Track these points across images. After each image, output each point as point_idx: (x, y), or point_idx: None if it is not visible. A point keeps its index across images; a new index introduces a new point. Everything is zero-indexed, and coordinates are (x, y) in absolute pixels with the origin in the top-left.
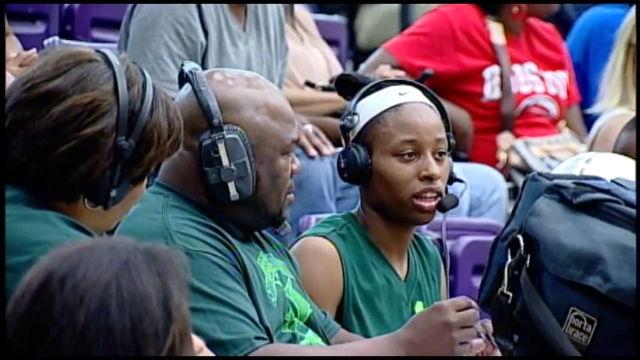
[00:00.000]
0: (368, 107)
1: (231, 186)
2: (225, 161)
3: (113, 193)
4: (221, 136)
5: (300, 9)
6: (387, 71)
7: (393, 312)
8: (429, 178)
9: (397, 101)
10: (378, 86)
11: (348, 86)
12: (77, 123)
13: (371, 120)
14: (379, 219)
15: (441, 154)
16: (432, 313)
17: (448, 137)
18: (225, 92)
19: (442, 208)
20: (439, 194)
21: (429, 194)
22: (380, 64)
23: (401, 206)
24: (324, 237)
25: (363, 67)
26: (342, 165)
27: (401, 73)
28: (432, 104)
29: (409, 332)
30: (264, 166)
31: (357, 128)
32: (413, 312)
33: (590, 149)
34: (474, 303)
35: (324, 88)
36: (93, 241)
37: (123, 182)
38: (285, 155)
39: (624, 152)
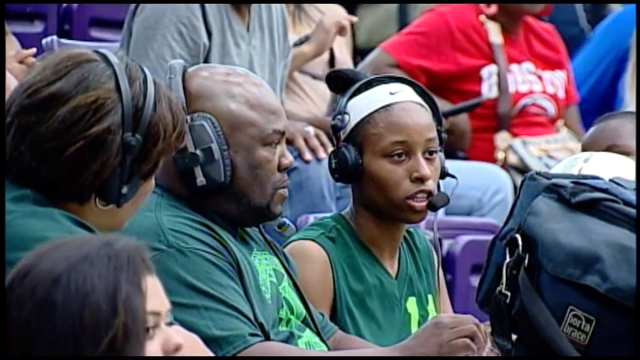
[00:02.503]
0: (358, 107)
1: (197, 171)
2: (190, 147)
3: (124, 190)
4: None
5: (333, 6)
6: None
7: (386, 311)
8: (420, 180)
9: (387, 101)
10: (369, 84)
11: (339, 82)
12: (83, 123)
13: (361, 120)
14: (370, 218)
15: (431, 152)
16: (428, 322)
17: (440, 132)
18: (202, 83)
19: (433, 207)
20: (430, 194)
21: (420, 195)
22: (378, 63)
23: (393, 207)
24: (312, 240)
25: (360, 66)
26: (333, 165)
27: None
28: (422, 102)
29: (406, 340)
30: (241, 155)
31: (348, 128)
32: (405, 309)
33: None
34: (481, 325)
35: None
36: (70, 238)
37: (133, 178)
38: (268, 147)
39: (586, 145)
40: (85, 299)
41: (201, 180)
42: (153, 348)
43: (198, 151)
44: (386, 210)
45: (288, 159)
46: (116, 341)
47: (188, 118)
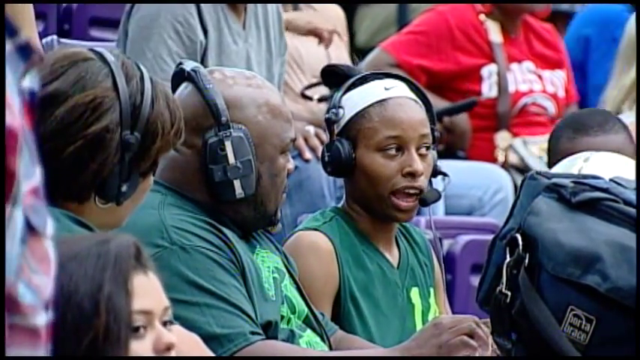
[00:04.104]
0: (353, 101)
1: (237, 184)
2: (231, 159)
3: (124, 187)
4: (228, 134)
5: (334, 7)
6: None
7: (389, 299)
8: (412, 175)
9: (382, 96)
10: (364, 79)
11: (334, 77)
12: (82, 122)
13: (356, 114)
14: (363, 213)
15: (425, 148)
16: (428, 323)
17: (433, 130)
18: (227, 91)
19: (424, 202)
20: (421, 191)
21: (411, 191)
22: (378, 63)
23: (380, 202)
24: (316, 229)
25: (361, 66)
26: (327, 159)
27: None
28: (417, 99)
29: (406, 341)
30: (265, 165)
31: (342, 122)
32: (409, 298)
33: None
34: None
35: (320, 100)
36: (67, 236)
37: (132, 176)
38: (284, 154)
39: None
40: (68, 299)
41: (240, 192)
42: (143, 347)
43: (239, 164)
44: (374, 205)
45: (292, 163)
46: (97, 341)
47: (231, 129)
